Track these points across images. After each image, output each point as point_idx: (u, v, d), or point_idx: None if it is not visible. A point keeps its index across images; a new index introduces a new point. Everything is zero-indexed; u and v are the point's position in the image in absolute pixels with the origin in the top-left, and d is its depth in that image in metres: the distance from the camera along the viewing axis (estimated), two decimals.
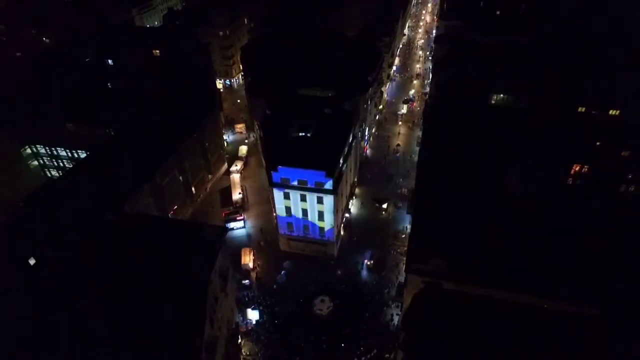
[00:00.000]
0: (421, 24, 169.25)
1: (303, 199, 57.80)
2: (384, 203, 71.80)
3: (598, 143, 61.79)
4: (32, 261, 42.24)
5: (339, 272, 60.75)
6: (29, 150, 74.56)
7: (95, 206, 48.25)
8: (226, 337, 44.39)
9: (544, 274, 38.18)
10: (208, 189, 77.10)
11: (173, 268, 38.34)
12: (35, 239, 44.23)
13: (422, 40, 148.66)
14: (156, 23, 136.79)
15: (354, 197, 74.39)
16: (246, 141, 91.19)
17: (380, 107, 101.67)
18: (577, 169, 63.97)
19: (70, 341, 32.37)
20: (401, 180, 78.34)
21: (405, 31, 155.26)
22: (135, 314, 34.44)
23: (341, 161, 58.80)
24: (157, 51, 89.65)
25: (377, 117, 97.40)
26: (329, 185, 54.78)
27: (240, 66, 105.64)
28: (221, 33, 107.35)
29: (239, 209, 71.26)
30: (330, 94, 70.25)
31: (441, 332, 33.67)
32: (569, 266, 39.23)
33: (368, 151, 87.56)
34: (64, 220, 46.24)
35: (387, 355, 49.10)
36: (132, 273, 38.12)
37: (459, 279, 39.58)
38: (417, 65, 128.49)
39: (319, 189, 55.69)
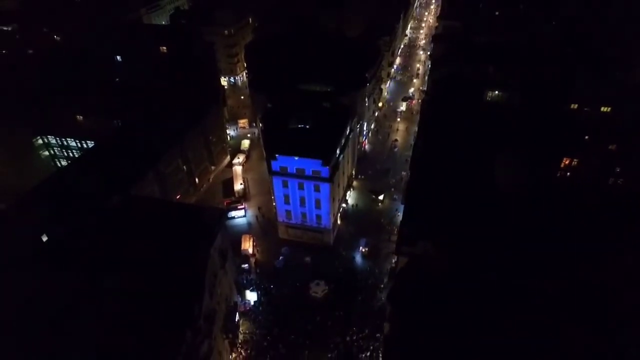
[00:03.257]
0: (423, 25, 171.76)
1: (301, 187, 60.37)
2: (381, 195, 74.26)
3: (586, 137, 64.13)
4: (44, 237, 45.31)
5: (335, 258, 63.26)
6: (40, 141, 77.71)
7: (102, 191, 51.20)
8: (225, 313, 46.96)
9: (524, 259, 40.26)
10: (211, 179, 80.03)
11: (175, 244, 41.04)
12: (47, 219, 47.21)
13: (424, 41, 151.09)
14: (163, 22, 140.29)
15: (351, 189, 76.87)
16: (249, 135, 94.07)
17: (380, 104, 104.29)
18: (566, 162, 66.14)
19: (83, 303, 35.18)
20: (398, 174, 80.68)
21: (407, 32, 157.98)
22: (140, 285, 37.10)
23: (338, 152, 61.32)
24: (164, 48, 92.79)
25: (377, 114, 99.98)
26: (325, 173, 57.33)
27: (244, 64, 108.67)
28: (226, 32, 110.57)
29: (240, 198, 74.00)
30: (329, 89, 72.96)
31: (423, 304, 36.04)
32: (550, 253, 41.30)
33: (367, 146, 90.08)
34: (74, 203, 49.21)
35: (378, 335, 51.40)
36: (137, 249, 40.71)
37: (445, 261, 41.90)
38: (418, 65, 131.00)
39: (316, 177, 58.26)
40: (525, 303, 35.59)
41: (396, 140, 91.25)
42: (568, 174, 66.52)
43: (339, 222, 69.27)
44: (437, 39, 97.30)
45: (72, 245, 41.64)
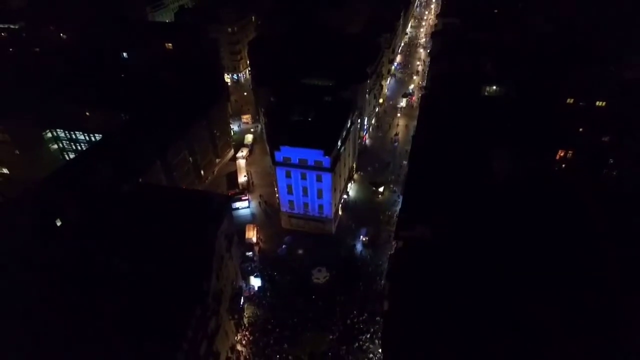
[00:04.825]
0: (424, 23, 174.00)
1: (303, 177, 62.33)
2: (381, 187, 76.22)
3: (580, 129, 66.03)
4: (58, 222, 47.33)
5: (336, 247, 65.21)
6: (49, 135, 79.84)
7: (112, 179, 53.21)
8: (230, 295, 48.92)
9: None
10: (215, 172, 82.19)
11: (184, 227, 43.03)
12: (60, 205, 49.21)
13: (424, 39, 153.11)
14: (167, 21, 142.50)
15: (352, 181, 78.83)
16: (252, 130, 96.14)
17: (381, 100, 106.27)
18: (561, 154, 67.93)
19: (98, 281, 37.22)
20: (398, 167, 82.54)
21: (408, 30, 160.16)
22: (151, 264, 39.09)
23: (339, 143, 63.26)
24: (170, 44, 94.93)
25: (377, 110, 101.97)
26: (327, 163, 59.27)
27: (247, 61, 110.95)
28: (229, 29, 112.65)
29: (244, 190, 76.08)
30: (330, 84, 74.92)
31: (420, 281, 37.97)
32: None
33: (367, 141, 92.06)
34: (85, 190, 51.23)
35: (378, 318, 53.27)
36: (148, 231, 42.73)
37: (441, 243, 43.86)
38: (418, 63, 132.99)
39: (318, 167, 60.20)
40: (517, 279, 37.53)
41: (396, 134, 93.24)
42: (563, 165, 68.31)
43: (340, 212, 71.21)
44: (436, 35, 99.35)
45: (85, 229, 43.63)
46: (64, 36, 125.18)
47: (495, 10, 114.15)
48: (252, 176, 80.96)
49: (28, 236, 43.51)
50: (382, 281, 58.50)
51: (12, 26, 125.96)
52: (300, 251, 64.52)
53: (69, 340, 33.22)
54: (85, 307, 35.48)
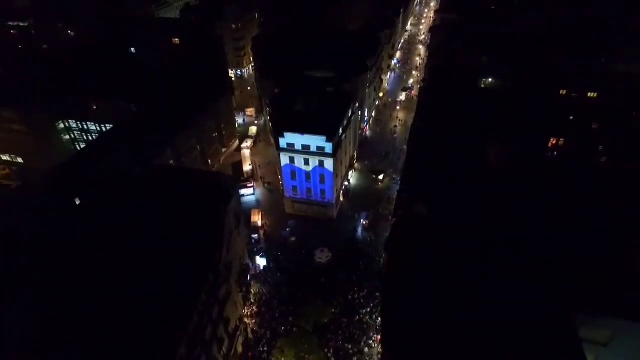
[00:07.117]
0: (423, 21, 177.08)
1: (306, 163, 65.36)
2: (381, 175, 79.28)
3: (571, 117, 68.98)
4: (77, 201, 50.40)
5: (338, 230, 68.27)
6: (62, 125, 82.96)
7: (125, 163, 56.28)
8: (238, 270, 51.87)
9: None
10: (221, 161, 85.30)
11: (196, 203, 46.04)
12: (78, 188, 52.32)
13: (424, 36, 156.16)
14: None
15: (353, 170, 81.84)
16: (256, 122, 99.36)
17: (381, 95, 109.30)
18: (554, 142, 70.85)
19: (112, 247, 40.28)
20: (397, 157, 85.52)
21: (408, 28, 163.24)
22: (166, 236, 42.08)
23: (340, 131, 66.29)
24: (177, 40, 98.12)
25: (377, 103, 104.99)
26: (329, 149, 62.30)
27: (251, 57, 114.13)
28: (233, 26, 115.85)
29: (249, 178, 79.20)
30: (332, 76, 77.89)
31: (416, 251, 40.85)
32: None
33: (367, 132, 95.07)
34: (100, 173, 54.33)
35: (377, 294, 56.25)
36: (161, 207, 45.69)
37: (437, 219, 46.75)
38: (418, 59, 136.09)
39: (320, 153, 63.23)
40: (508, 251, 40.41)
41: (396, 126, 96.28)
42: (555, 153, 71.20)
43: (341, 198, 74.24)
44: (434, 30, 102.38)
45: (103, 207, 46.72)
46: (72, 33, 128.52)
47: (493, 7, 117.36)
48: (256, 165, 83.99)
49: (48, 216, 46.49)
50: (381, 260, 61.51)
51: (21, 24, 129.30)
52: (303, 234, 67.50)
53: (87, 306, 36.04)
54: (104, 277, 38.41)
